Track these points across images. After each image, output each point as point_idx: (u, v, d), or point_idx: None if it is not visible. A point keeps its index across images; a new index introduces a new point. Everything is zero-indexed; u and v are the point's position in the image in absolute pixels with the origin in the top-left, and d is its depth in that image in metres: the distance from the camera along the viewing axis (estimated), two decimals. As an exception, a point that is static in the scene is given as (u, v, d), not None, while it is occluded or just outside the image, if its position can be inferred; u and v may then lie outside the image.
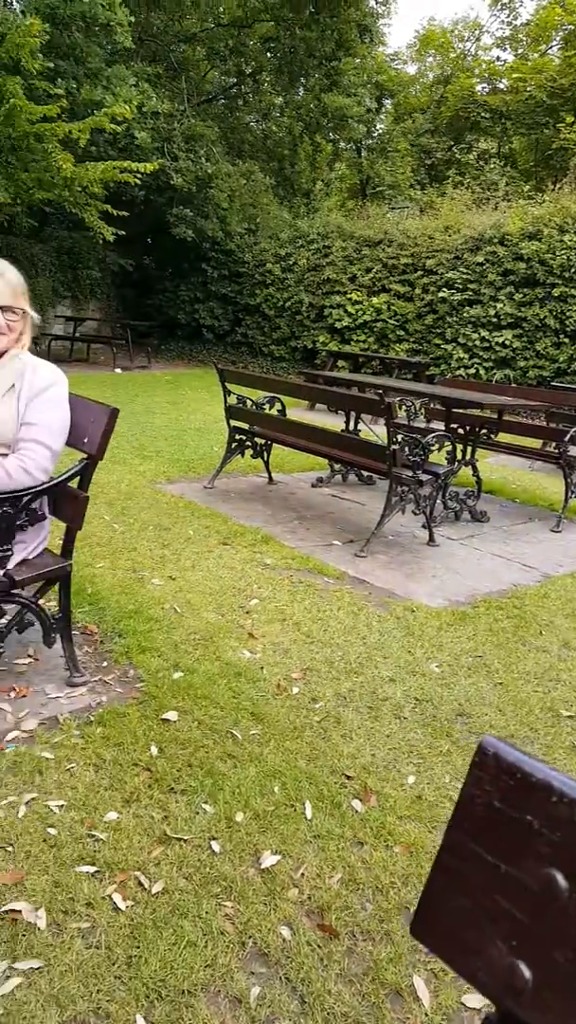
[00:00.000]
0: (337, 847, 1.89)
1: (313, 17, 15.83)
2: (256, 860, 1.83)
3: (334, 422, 7.72)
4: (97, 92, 11.36)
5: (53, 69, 10.76)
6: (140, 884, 1.73)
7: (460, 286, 12.17)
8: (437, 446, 4.53)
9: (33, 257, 14.01)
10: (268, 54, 17.81)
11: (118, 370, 12.96)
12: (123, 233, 12.15)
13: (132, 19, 12.08)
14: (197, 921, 1.63)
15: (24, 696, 2.50)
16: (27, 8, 12.04)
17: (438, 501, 4.72)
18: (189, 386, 11.46)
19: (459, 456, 5.03)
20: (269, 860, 1.82)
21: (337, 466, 5.94)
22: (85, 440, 2.54)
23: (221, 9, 15.46)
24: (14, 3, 15.31)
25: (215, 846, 1.86)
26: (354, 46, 16.59)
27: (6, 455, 2.36)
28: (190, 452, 6.53)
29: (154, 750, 2.21)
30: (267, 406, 5.46)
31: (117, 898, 1.68)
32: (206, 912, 1.66)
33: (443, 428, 5.17)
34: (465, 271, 12.11)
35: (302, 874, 1.80)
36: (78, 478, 2.54)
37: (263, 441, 5.50)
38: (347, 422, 6.26)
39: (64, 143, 10.84)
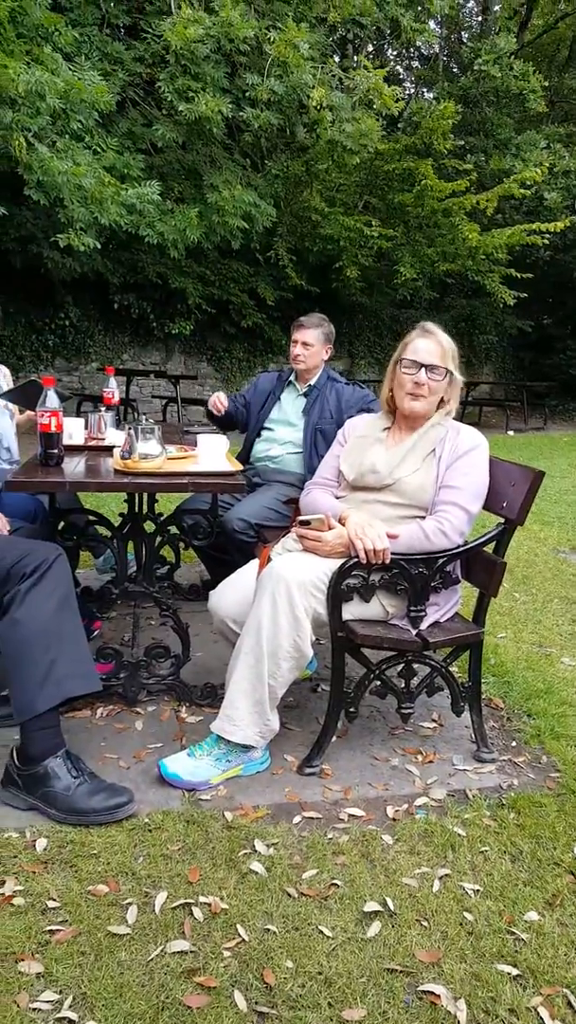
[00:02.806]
0: None
1: None
2: None
3: None
4: (506, 161, 11.58)
5: (463, 146, 11.25)
6: (570, 1005, 1.55)
7: None
8: None
9: (434, 328, 14.69)
10: None
11: (511, 432, 12.83)
12: (524, 295, 12.11)
13: (545, 83, 12.15)
14: None
15: (431, 762, 2.48)
16: (440, 94, 12.86)
17: None
18: (591, 447, 10.85)
19: None
20: None
21: None
22: (503, 504, 2.49)
23: None
24: (425, 92, 16.48)
25: None
26: None
27: (423, 517, 2.40)
28: (596, 519, 6.11)
29: (577, 852, 2.01)
30: None
31: (544, 1014, 1.52)
32: None
33: None
34: None
35: None
36: (494, 543, 2.49)
37: None
38: None
39: (470, 214, 11.22)
